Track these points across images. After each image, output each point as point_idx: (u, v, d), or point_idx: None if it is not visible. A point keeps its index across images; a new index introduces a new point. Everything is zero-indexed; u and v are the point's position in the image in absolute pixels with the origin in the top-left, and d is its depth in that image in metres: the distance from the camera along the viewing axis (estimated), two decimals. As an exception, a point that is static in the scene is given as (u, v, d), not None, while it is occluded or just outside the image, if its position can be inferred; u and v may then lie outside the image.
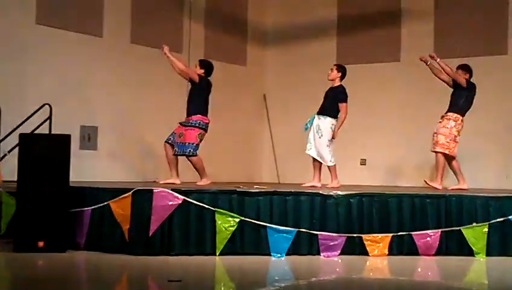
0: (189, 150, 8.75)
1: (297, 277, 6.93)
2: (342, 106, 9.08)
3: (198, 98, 8.85)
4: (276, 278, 6.88)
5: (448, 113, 9.04)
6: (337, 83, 9.20)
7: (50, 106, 9.14)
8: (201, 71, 8.97)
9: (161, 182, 8.61)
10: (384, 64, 12.36)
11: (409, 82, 12.09)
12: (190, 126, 8.79)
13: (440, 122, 9.06)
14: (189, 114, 8.85)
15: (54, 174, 7.36)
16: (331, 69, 9.25)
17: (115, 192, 7.53)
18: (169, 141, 8.82)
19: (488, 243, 7.66)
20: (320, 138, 9.01)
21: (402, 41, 12.24)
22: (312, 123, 9.08)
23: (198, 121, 8.81)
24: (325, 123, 9.02)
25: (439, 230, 7.67)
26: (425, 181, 9.08)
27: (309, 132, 9.10)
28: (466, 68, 9.24)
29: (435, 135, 9.08)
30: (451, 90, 9.27)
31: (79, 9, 10.34)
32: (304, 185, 8.86)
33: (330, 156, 9.01)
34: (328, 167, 9.10)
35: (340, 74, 9.21)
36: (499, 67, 10.72)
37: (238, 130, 12.56)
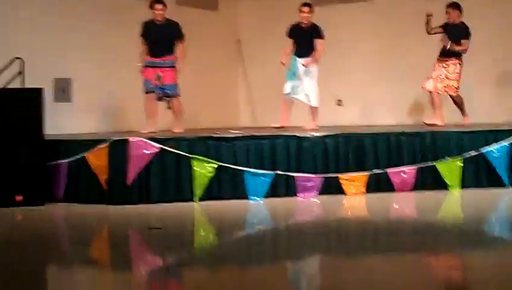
0: (175, 91, 8.74)
1: (276, 219, 7.02)
2: (321, 42, 9.07)
3: (167, 37, 8.79)
4: (255, 221, 6.97)
5: (450, 58, 9.16)
6: (309, 22, 9.13)
7: (22, 60, 9.01)
8: (166, 11, 8.87)
9: (143, 131, 8.56)
10: (357, 4, 12.30)
11: (381, 20, 12.06)
12: (167, 67, 8.73)
13: (446, 66, 9.14)
14: (162, 54, 8.77)
15: (28, 129, 7.33)
16: (307, 11, 9.12)
17: (92, 143, 7.54)
18: (150, 90, 8.71)
19: (462, 177, 7.78)
20: (311, 79, 9.02)
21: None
22: (297, 67, 9.03)
23: (172, 62, 8.77)
24: (311, 65, 9.02)
25: (415, 166, 7.75)
26: (425, 123, 9.14)
27: (290, 74, 9.01)
28: (459, 7, 9.25)
29: (446, 78, 9.14)
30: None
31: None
32: (274, 126, 8.78)
33: (317, 97, 9.06)
34: (313, 108, 9.12)
35: (313, 13, 9.15)
36: (476, 4, 10.68)
37: (212, 75, 12.48)
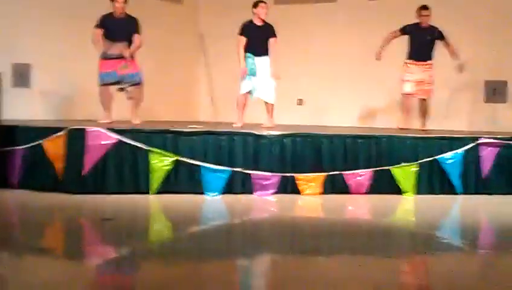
0: (139, 78, 8.85)
1: (231, 216, 7.05)
2: (275, 41, 9.10)
3: (127, 32, 8.83)
4: (211, 216, 6.99)
5: (428, 61, 9.34)
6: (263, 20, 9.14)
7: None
8: (126, 5, 8.88)
9: (100, 122, 8.55)
10: (320, 5, 12.39)
11: (345, 22, 12.17)
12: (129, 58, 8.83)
13: (425, 70, 9.30)
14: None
15: (-16, 113, 7.24)
16: (267, 7, 9.11)
17: (49, 131, 7.47)
18: (106, 82, 8.74)
19: (416, 182, 7.89)
20: (269, 76, 9.04)
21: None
22: (254, 64, 9.05)
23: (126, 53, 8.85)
24: (268, 62, 9.06)
25: (370, 169, 7.85)
26: (399, 128, 9.27)
27: (249, 75, 9.03)
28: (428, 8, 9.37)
29: (427, 84, 9.31)
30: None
31: None
32: (236, 126, 8.85)
33: (275, 94, 9.10)
34: (271, 105, 9.16)
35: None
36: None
37: (174, 69, 12.47)
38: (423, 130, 9.23)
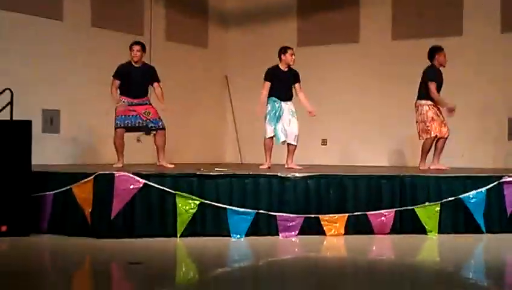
0: (162, 123, 9.09)
1: (256, 257, 7.13)
2: (300, 86, 9.26)
3: (145, 81, 9.09)
4: (236, 258, 7.07)
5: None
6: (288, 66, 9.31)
7: (11, 91, 9.14)
8: (144, 54, 9.09)
9: (115, 165, 8.78)
10: (343, 46, 12.57)
11: (367, 62, 12.33)
12: (149, 105, 9.12)
13: (440, 111, 9.41)
14: (143, 94, 9.09)
15: (16, 160, 7.45)
16: (292, 54, 9.28)
17: (77, 176, 7.63)
18: (128, 125, 8.94)
19: (440, 221, 7.93)
20: (297, 120, 9.20)
21: (361, 22, 12.46)
22: (281, 109, 9.19)
23: (149, 100, 9.15)
24: (293, 106, 9.24)
25: (394, 209, 7.91)
26: (430, 168, 9.31)
27: (273, 117, 9.17)
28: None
29: (446, 123, 9.41)
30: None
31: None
32: (263, 168, 8.99)
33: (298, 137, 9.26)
34: (294, 147, 9.28)
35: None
36: (454, 48, 10.95)
37: (200, 111, 12.69)
38: (441, 169, 9.28)
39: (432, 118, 9.35)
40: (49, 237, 7.56)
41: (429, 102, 9.39)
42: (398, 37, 12.06)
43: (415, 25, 11.83)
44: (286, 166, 9.22)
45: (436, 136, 9.37)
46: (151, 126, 9.05)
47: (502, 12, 11.32)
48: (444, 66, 9.47)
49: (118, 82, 9.01)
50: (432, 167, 9.38)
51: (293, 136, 9.21)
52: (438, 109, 9.42)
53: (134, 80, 9.00)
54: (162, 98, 9.08)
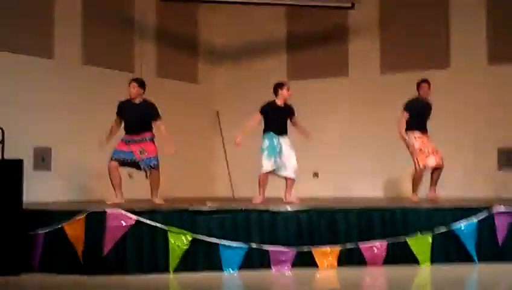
0: (155, 163, 9.00)
1: (249, 292, 7.12)
2: (297, 118, 9.33)
3: (145, 117, 9.03)
4: (229, 293, 7.07)
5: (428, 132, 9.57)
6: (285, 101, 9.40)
7: (2, 130, 9.16)
8: (142, 91, 9.09)
9: (109, 203, 8.75)
10: (333, 79, 12.69)
11: (356, 96, 12.44)
12: (148, 141, 9.02)
13: (428, 138, 9.49)
14: (141, 131, 9.02)
15: (7, 199, 7.42)
16: (288, 89, 9.36)
17: (69, 214, 7.61)
18: (120, 158, 8.92)
19: (432, 252, 7.94)
20: (293, 153, 9.27)
21: (350, 57, 12.59)
22: (279, 143, 9.24)
23: (151, 137, 9.03)
24: (289, 140, 9.31)
25: (386, 241, 7.92)
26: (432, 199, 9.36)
27: (272, 152, 9.21)
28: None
29: (436, 152, 9.42)
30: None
31: (29, 31, 10.40)
32: (256, 202, 9.00)
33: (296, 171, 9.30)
34: (291, 181, 9.32)
35: None
36: (442, 80, 11.08)
37: (192, 147, 12.72)
38: (434, 200, 9.32)
39: (420, 149, 9.40)
40: (40, 275, 7.51)
41: (416, 133, 9.46)
42: (387, 71, 12.19)
43: (403, 58, 11.97)
44: (285, 200, 9.25)
45: (424, 167, 9.41)
46: (143, 166, 9.00)
47: (488, 44, 11.47)
48: (426, 97, 9.51)
49: (118, 119, 9.04)
50: (429, 197, 9.42)
51: (293, 169, 9.28)
52: (426, 138, 9.47)
53: (131, 117, 9.01)
54: (167, 138, 8.97)
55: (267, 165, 9.20)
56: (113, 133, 9.11)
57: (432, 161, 9.42)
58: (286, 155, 9.25)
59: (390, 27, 12.21)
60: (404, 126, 9.48)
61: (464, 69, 11.60)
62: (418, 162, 9.39)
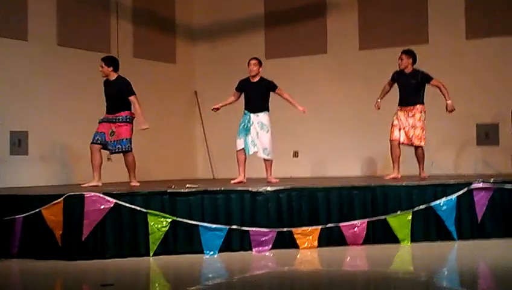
0: (128, 145, 8.89)
1: (230, 273, 7.09)
2: (280, 89, 9.28)
3: (118, 94, 8.92)
4: (210, 275, 7.03)
5: (417, 106, 9.27)
6: (259, 76, 9.30)
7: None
8: (111, 69, 8.97)
9: (85, 185, 8.67)
10: (311, 57, 12.62)
11: (335, 73, 12.39)
12: (120, 122, 8.89)
13: (413, 115, 9.24)
14: (115, 110, 8.91)
15: (-17, 184, 7.35)
16: (255, 64, 9.26)
17: (46, 198, 7.53)
18: (98, 142, 8.85)
19: (412, 230, 7.96)
20: (267, 133, 9.15)
21: (328, 33, 12.51)
22: (250, 121, 9.17)
23: (128, 116, 8.91)
24: (265, 118, 9.17)
25: (366, 220, 7.92)
26: (386, 178, 9.26)
27: (242, 130, 9.17)
28: (411, 53, 9.41)
29: (412, 128, 9.23)
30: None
31: (2, 13, 10.22)
32: (234, 182, 8.97)
33: (271, 149, 9.21)
34: (269, 161, 9.27)
35: (261, 68, 9.30)
36: (421, 56, 11.03)
37: (170, 127, 12.65)
38: (422, 177, 9.30)
39: (393, 123, 9.36)
40: (19, 261, 7.45)
41: (397, 107, 9.40)
42: (366, 47, 12.14)
43: (381, 34, 11.92)
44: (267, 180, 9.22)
45: (392, 141, 9.33)
46: (110, 148, 8.91)
47: (466, 19, 11.45)
48: (404, 69, 9.37)
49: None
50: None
51: (261, 149, 9.16)
52: (406, 113, 9.36)
53: (106, 95, 8.94)
54: (139, 114, 8.90)
55: (238, 143, 9.17)
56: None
57: (397, 135, 9.24)
58: (255, 133, 9.12)
59: (369, 3, 12.13)
60: (382, 93, 9.49)
61: (443, 44, 11.58)
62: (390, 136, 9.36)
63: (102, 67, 8.93)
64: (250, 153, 9.16)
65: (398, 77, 9.43)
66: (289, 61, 12.69)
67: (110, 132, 8.85)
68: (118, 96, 8.91)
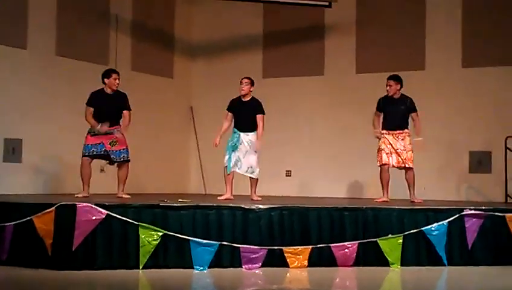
0: (125, 155, 8.98)
1: (220, 289, 7.09)
2: (262, 117, 9.28)
3: (117, 107, 9.00)
4: (198, 291, 7.03)
5: (405, 130, 9.41)
6: (250, 96, 9.35)
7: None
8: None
9: (78, 195, 8.69)
10: (308, 78, 12.68)
11: (331, 95, 12.45)
12: (118, 133, 8.97)
13: (403, 139, 9.34)
14: (114, 123, 8.97)
15: (-25, 190, 7.33)
16: (247, 83, 9.30)
17: (38, 207, 7.52)
18: (91, 154, 8.87)
19: (402, 254, 7.95)
20: (255, 152, 9.19)
21: (326, 55, 12.59)
22: (239, 140, 9.21)
23: (119, 130, 8.98)
24: (254, 137, 9.24)
25: (357, 242, 7.92)
26: (376, 201, 9.29)
27: (229, 148, 9.21)
28: (399, 79, 9.49)
29: (403, 151, 9.31)
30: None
31: (2, 21, 10.24)
32: (220, 199, 8.99)
33: (258, 169, 9.24)
34: (255, 179, 9.31)
35: (253, 87, 9.36)
36: (417, 82, 11.12)
37: (165, 141, 12.66)
38: (414, 202, 9.32)
39: (380, 148, 9.40)
40: (8, 268, 7.41)
41: (383, 131, 9.45)
42: (363, 71, 12.21)
43: (379, 58, 12.00)
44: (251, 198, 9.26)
45: (382, 165, 9.38)
46: (113, 158, 8.96)
47: (463, 47, 11.54)
48: (392, 95, 9.44)
49: (91, 109, 8.94)
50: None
51: (246, 168, 9.21)
52: (395, 136, 9.40)
53: (106, 108, 8.94)
54: (124, 127, 8.99)
55: (225, 160, 9.20)
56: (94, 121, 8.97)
57: (387, 160, 9.30)
58: (243, 153, 9.18)
59: (367, 27, 12.23)
60: (377, 124, 9.50)
61: (439, 71, 11.67)
62: (377, 161, 9.41)
63: (119, 79, 8.96)
64: (230, 171, 9.20)
65: (385, 103, 9.51)
66: (286, 81, 12.75)
67: (111, 142, 8.89)
68: (118, 109, 8.96)
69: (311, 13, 12.43)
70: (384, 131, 9.43)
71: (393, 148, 9.33)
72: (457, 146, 11.27)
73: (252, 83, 9.33)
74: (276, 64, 12.87)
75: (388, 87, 9.44)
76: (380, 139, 9.45)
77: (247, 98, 9.32)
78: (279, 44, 12.91)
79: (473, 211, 8.18)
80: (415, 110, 9.48)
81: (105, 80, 8.99)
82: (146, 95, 11.91)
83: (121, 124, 9.03)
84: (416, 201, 9.33)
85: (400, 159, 9.33)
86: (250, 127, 9.26)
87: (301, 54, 12.69)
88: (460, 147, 11.33)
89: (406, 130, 9.43)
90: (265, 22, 13.08)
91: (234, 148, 9.19)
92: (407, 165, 9.36)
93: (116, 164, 9.06)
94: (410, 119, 9.48)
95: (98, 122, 8.90)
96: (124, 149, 8.98)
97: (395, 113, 9.41)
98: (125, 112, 9.01)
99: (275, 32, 13.01)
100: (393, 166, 9.40)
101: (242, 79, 9.33)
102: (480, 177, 11.28)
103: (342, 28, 12.41)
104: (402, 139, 9.38)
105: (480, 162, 11.28)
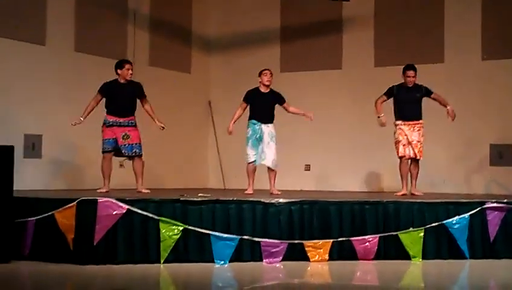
0: (137, 150, 8.95)
1: (240, 283, 7.08)
2: (287, 104, 9.36)
3: (132, 97, 8.98)
4: (220, 285, 7.03)
5: (420, 121, 9.37)
6: (269, 88, 9.35)
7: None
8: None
9: (101, 190, 8.73)
10: (326, 72, 12.64)
11: (349, 88, 12.40)
12: (132, 126, 8.97)
13: (418, 130, 9.31)
14: (128, 114, 8.96)
15: (-3, 186, 7.37)
16: (271, 74, 9.35)
17: (60, 202, 7.56)
18: (109, 150, 8.90)
19: (423, 247, 7.92)
20: (275, 144, 9.20)
21: (344, 49, 12.54)
22: (262, 132, 9.20)
23: (135, 121, 9.00)
24: (274, 129, 9.24)
25: (378, 235, 7.90)
26: (396, 195, 9.23)
27: (255, 141, 9.21)
28: (416, 69, 9.43)
29: (418, 142, 9.28)
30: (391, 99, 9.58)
31: (21, 18, 10.30)
32: (247, 193, 8.99)
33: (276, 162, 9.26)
34: (274, 172, 9.29)
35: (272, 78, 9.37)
36: (435, 75, 11.05)
37: (183, 136, 12.67)
38: (414, 194, 9.28)
39: (397, 139, 9.36)
40: (30, 263, 7.46)
41: (399, 122, 9.39)
42: (381, 64, 12.15)
43: (397, 52, 11.93)
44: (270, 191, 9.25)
45: (402, 158, 9.34)
46: (125, 152, 8.95)
47: (482, 40, 11.45)
48: (409, 86, 9.41)
49: (99, 97, 8.93)
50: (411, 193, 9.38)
51: (271, 160, 9.21)
52: (411, 127, 9.36)
53: (120, 97, 8.93)
54: (154, 116, 9.03)
55: (251, 155, 9.20)
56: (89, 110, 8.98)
57: (405, 151, 9.28)
58: (266, 144, 9.17)
59: (385, 19, 12.16)
60: (380, 108, 9.47)
61: (458, 64, 11.59)
62: (397, 153, 9.37)
63: (132, 69, 8.98)
64: (258, 163, 9.19)
65: (400, 91, 9.44)
66: (303, 75, 12.72)
67: (124, 135, 8.88)
68: (132, 98, 8.97)
69: (329, 6, 12.38)
70: (399, 122, 9.38)
71: (408, 139, 9.30)
72: (477, 139, 11.19)
73: (271, 74, 9.35)
74: (294, 58, 12.84)
75: (409, 78, 9.39)
76: (384, 126, 9.37)
77: (266, 90, 9.32)
78: (296, 38, 12.87)
79: (495, 204, 8.13)
80: (431, 92, 9.42)
81: (118, 71, 9.01)
82: (164, 90, 11.91)
83: (135, 117, 9.00)
84: (417, 193, 9.28)
85: (414, 151, 9.30)
86: (270, 118, 9.29)
87: (319, 48, 12.65)
88: (481, 140, 11.25)
89: (420, 121, 9.38)
90: (282, 15, 13.04)
91: (260, 140, 9.17)
92: (417, 157, 9.32)
93: (127, 157, 9.06)
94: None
95: (112, 111, 8.88)
96: (136, 144, 8.94)
97: (411, 102, 9.37)
98: (143, 103, 9.02)
99: (292, 26, 12.96)
100: (410, 157, 9.37)
101: (263, 70, 9.34)
102: (501, 170, 11.20)
103: (360, 21, 12.35)
104: (418, 130, 9.33)
105: (501, 155, 11.20)
